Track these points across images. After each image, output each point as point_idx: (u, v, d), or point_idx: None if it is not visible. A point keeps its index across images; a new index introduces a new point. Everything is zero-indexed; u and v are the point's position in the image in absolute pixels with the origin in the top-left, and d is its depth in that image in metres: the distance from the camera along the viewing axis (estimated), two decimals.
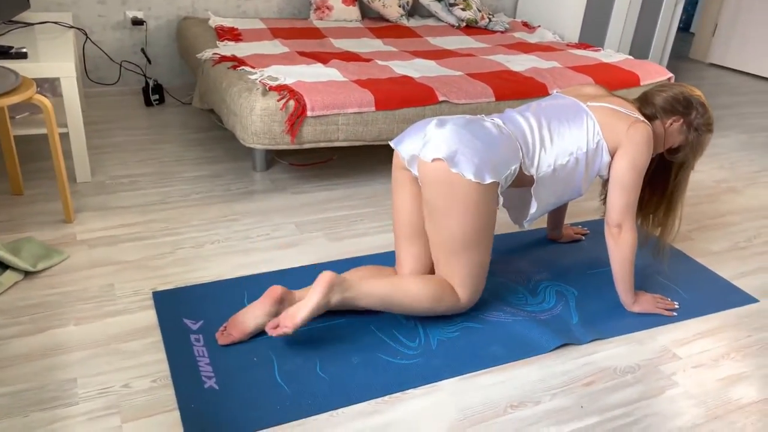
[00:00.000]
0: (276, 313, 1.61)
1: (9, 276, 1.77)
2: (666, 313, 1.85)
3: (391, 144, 1.74)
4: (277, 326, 1.53)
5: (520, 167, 1.66)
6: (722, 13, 5.13)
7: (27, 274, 1.82)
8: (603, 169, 1.76)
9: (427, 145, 1.61)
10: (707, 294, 1.97)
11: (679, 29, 6.71)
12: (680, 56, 5.52)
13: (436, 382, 1.52)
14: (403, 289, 1.62)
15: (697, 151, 1.85)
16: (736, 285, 2.03)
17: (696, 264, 2.14)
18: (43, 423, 1.33)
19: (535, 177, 1.69)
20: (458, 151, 1.57)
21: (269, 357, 1.55)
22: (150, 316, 1.68)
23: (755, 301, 1.96)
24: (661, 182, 1.93)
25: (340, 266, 1.96)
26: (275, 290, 1.60)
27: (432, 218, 1.64)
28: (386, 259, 2.01)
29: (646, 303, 1.85)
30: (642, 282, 1.99)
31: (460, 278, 1.67)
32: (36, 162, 2.54)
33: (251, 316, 1.60)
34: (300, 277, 1.88)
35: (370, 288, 1.60)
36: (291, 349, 1.58)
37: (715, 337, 1.78)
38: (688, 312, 1.87)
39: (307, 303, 1.52)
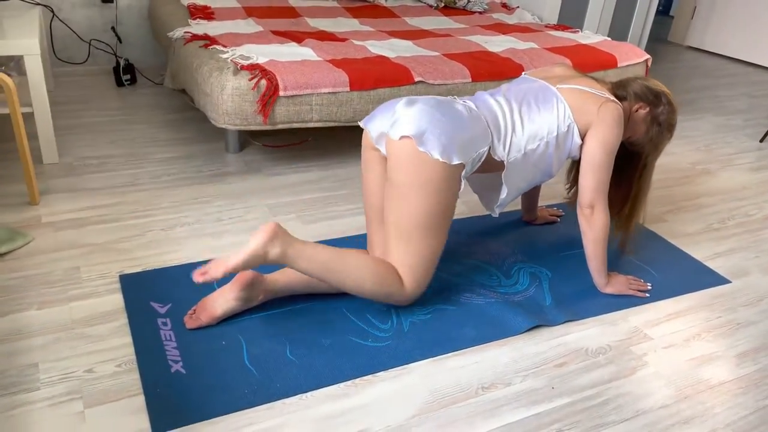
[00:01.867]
0: (247, 298, 1.58)
1: None
2: (639, 294, 1.85)
3: (361, 124, 1.71)
4: (205, 272, 1.44)
5: (489, 151, 1.64)
6: None
7: None
8: (574, 150, 1.75)
9: (395, 123, 1.58)
10: (680, 275, 1.98)
11: (660, 12, 6.72)
12: (659, 39, 5.53)
13: (407, 364, 1.51)
14: (347, 261, 1.54)
15: (656, 149, 1.85)
16: (709, 266, 2.04)
17: (669, 245, 2.15)
18: (2, 409, 1.29)
19: (505, 162, 1.67)
20: (427, 130, 1.54)
21: (238, 341, 1.52)
22: (117, 300, 1.65)
23: (727, 282, 1.97)
24: (624, 183, 1.93)
25: None
26: (245, 275, 1.57)
27: (391, 196, 1.59)
28: (360, 242, 1.98)
29: (618, 284, 1.85)
30: (615, 263, 1.99)
31: (408, 263, 1.59)
32: (0, 143, 2.47)
33: (221, 300, 1.57)
34: None
35: (314, 251, 1.51)
36: (261, 332, 1.56)
37: (686, 317, 1.79)
38: (660, 293, 1.88)
39: (244, 248, 1.45)
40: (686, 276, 1.98)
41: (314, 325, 1.60)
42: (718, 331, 1.74)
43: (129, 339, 1.51)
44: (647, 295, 1.86)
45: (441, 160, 1.53)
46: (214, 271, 1.44)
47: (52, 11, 3.01)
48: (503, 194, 1.72)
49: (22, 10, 2.52)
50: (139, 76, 3.32)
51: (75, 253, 1.83)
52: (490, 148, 1.63)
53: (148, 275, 1.74)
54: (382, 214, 1.70)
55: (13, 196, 2.10)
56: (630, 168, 1.92)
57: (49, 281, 1.69)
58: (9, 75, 2.43)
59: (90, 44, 3.30)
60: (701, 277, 1.98)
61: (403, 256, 1.60)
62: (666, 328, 1.73)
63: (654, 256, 2.07)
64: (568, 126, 1.71)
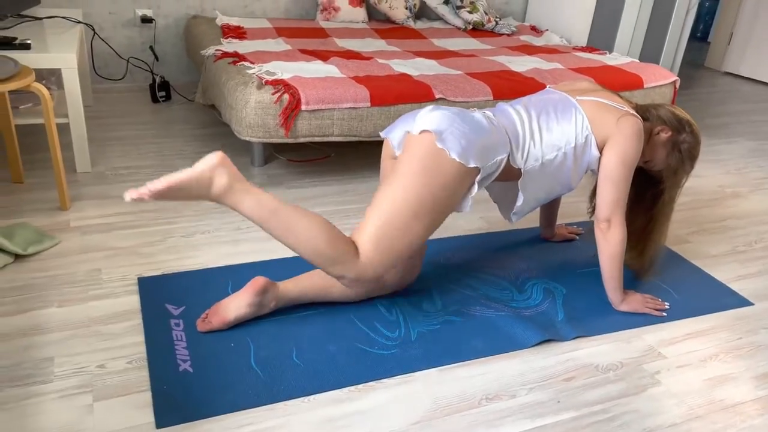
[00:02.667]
0: (259, 304, 1.60)
1: None
2: (655, 313, 1.81)
3: (382, 134, 1.73)
4: (141, 189, 1.34)
5: (508, 159, 1.64)
6: (738, 22, 5.07)
7: (17, 257, 1.84)
8: (593, 163, 1.74)
9: (416, 122, 1.60)
10: (700, 296, 1.93)
11: (697, 39, 6.65)
12: (695, 65, 5.46)
13: (411, 372, 1.51)
14: (298, 213, 1.43)
15: (675, 177, 1.82)
16: (731, 288, 1.99)
17: (691, 266, 2.10)
18: (15, 399, 1.34)
19: (522, 170, 1.67)
20: (447, 130, 1.54)
21: (246, 343, 1.55)
22: (134, 301, 1.70)
23: (750, 304, 1.92)
24: (642, 213, 1.90)
25: None
26: (258, 281, 1.60)
27: (392, 178, 1.52)
28: None
29: (634, 302, 1.82)
30: (633, 282, 1.96)
31: (375, 234, 1.46)
32: (39, 152, 2.58)
33: (233, 305, 1.60)
34: (285, 269, 1.88)
35: (265, 196, 1.42)
36: (269, 335, 1.58)
37: (704, 338, 1.74)
38: (678, 312, 1.84)
39: (189, 169, 1.37)
40: (707, 297, 1.93)
41: (322, 331, 1.61)
42: (737, 353, 1.69)
43: (142, 338, 1.55)
44: (664, 314, 1.82)
45: (458, 160, 1.51)
46: (153, 184, 1.33)
47: (94, 30, 3.16)
48: (519, 201, 1.72)
49: (65, 28, 2.65)
50: (173, 93, 3.43)
51: (98, 255, 1.89)
52: (509, 155, 1.64)
53: (165, 278, 1.79)
54: None
55: (46, 201, 2.19)
56: (648, 197, 1.89)
57: (71, 281, 1.76)
58: (49, 88, 2.56)
59: (128, 62, 3.44)
60: (723, 298, 1.93)
61: (376, 225, 1.47)
62: (682, 347, 1.69)
63: (674, 277, 2.03)
64: (586, 137, 1.70)
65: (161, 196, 1.34)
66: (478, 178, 1.58)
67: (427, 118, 1.59)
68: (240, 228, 2.11)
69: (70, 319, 1.60)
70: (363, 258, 1.46)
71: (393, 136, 1.68)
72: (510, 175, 1.70)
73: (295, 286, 1.66)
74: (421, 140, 1.55)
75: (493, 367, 1.55)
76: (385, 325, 1.66)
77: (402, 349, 1.58)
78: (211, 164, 1.39)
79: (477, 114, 1.66)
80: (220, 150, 1.42)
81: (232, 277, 1.82)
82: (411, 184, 1.50)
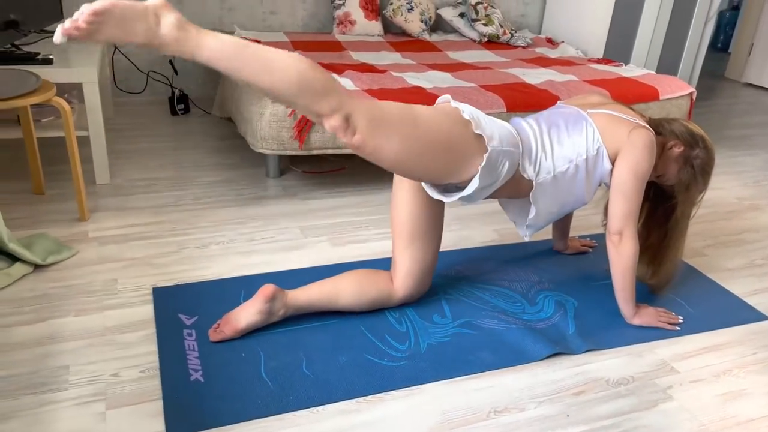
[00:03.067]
0: (269, 311, 1.63)
1: (19, 268, 1.84)
2: (668, 327, 1.79)
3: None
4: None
5: (518, 168, 1.64)
6: (758, 33, 5.02)
7: (36, 267, 1.89)
8: (605, 176, 1.74)
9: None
10: (715, 310, 1.91)
11: (717, 49, 6.59)
12: (716, 76, 5.41)
13: (420, 384, 1.51)
14: (270, 48, 1.27)
15: (687, 193, 1.80)
16: (747, 302, 1.96)
17: (706, 280, 2.08)
18: (31, 406, 1.37)
19: (534, 182, 1.67)
20: (463, 104, 1.57)
21: (257, 353, 1.57)
22: (148, 311, 1.72)
23: (766, 318, 1.89)
24: (655, 230, 1.89)
25: (337, 269, 1.97)
26: (268, 288, 1.62)
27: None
28: (386, 264, 2.01)
29: (647, 316, 1.80)
30: (647, 296, 1.94)
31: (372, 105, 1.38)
32: (60, 164, 2.64)
33: (244, 314, 1.62)
34: (297, 279, 1.90)
35: (227, 36, 1.25)
36: (280, 346, 1.60)
37: (719, 352, 1.72)
38: (693, 327, 1.82)
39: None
40: (721, 311, 1.91)
41: (332, 342, 1.63)
42: (751, 368, 1.66)
43: (155, 347, 1.58)
44: (678, 328, 1.80)
45: (466, 117, 1.50)
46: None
47: (115, 45, 3.23)
48: (531, 214, 1.71)
49: (86, 43, 2.72)
50: (192, 106, 3.49)
51: (115, 266, 1.93)
52: (519, 164, 1.63)
53: (179, 289, 1.82)
54: (409, 232, 1.71)
55: (66, 212, 2.24)
56: (660, 212, 1.88)
57: (87, 291, 1.79)
58: (70, 102, 2.62)
59: (148, 75, 3.51)
60: (738, 313, 1.90)
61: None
62: (695, 362, 1.67)
63: (689, 290, 2.01)
64: (597, 149, 1.70)
65: (97, 21, 1.13)
66: (483, 163, 1.50)
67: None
68: (253, 239, 2.14)
69: (86, 328, 1.64)
70: (355, 102, 1.33)
71: None
72: (522, 189, 1.69)
73: (303, 294, 1.68)
74: (438, 103, 1.61)
75: (501, 380, 1.55)
76: (394, 337, 1.67)
77: (411, 361, 1.58)
78: (156, 4, 1.20)
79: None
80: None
81: (245, 287, 1.84)
82: (423, 120, 1.44)
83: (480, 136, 1.51)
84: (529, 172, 1.66)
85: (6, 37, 2.37)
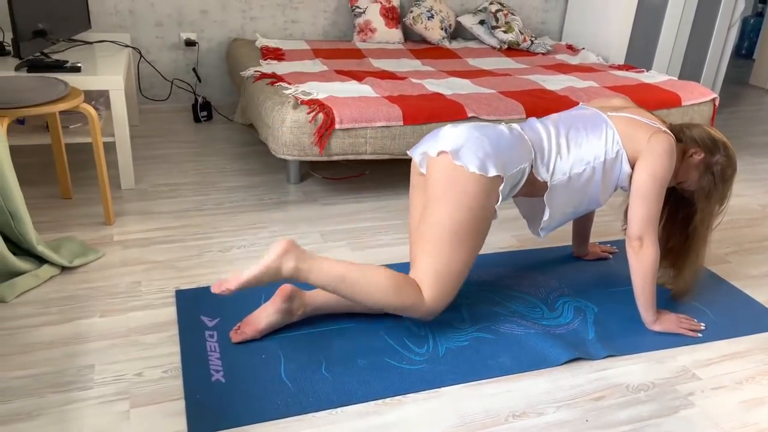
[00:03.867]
0: (287, 311, 1.65)
1: (46, 270, 1.88)
2: (690, 333, 1.78)
3: (408, 152, 1.78)
4: (222, 284, 1.51)
5: (532, 171, 1.66)
6: None
7: (63, 269, 1.93)
8: (623, 180, 1.73)
9: (435, 142, 1.65)
10: (738, 317, 1.89)
11: (742, 56, 6.51)
12: (740, 82, 5.35)
13: (438, 387, 1.52)
14: (362, 273, 1.54)
15: (708, 201, 1.78)
16: None
17: (730, 287, 2.06)
18: (56, 404, 1.40)
19: (549, 184, 1.68)
20: (464, 146, 1.59)
21: (277, 355, 1.59)
22: (171, 313, 1.76)
23: None
24: (675, 234, 1.88)
25: None
26: (285, 288, 1.65)
27: (426, 210, 1.62)
28: (405, 268, 2.02)
29: (668, 322, 1.79)
30: (668, 302, 1.93)
31: (432, 274, 1.57)
32: (87, 170, 2.70)
33: (264, 314, 1.65)
34: None
35: (328, 264, 1.53)
36: (300, 348, 1.61)
37: (741, 359, 1.70)
38: (715, 333, 1.80)
39: (258, 263, 1.51)
40: (745, 318, 1.89)
41: (351, 345, 1.64)
42: None
43: (177, 348, 1.61)
44: (699, 335, 1.78)
45: (477, 172, 1.56)
46: (230, 283, 1.49)
47: (140, 53, 3.30)
48: (546, 216, 1.72)
49: (113, 51, 2.78)
50: (214, 113, 3.55)
51: (139, 269, 1.97)
52: (532, 166, 1.65)
53: (201, 291, 1.85)
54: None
55: (92, 216, 2.29)
56: (680, 217, 1.87)
57: (112, 293, 1.83)
58: (97, 109, 2.68)
59: (172, 83, 3.58)
60: (761, 320, 1.88)
61: (428, 265, 1.58)
62: (717, 369, 1.66)
63: (712, 297, 1.99)
64: (617, 152, 1.70)
65: (239, 289, 1.50)
66: (502, 187, 1.60)
67: (446, 136, 1.64)
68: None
69: (111, 328, 1.67)
70: (428, 300, 1.59)
71: (416, 153, 1.74)
72: (537, 189, 1.71)
73: (321, 294, 1.70)
74: (440, 162, 1.61)
75: (520, 385, 1.55)
76: (413, 341, 1.67)
77: (430, 365, 1.59)
78: (277, 255, 1.51)
79: (501, 126, 1.70)
80: (287, 240, 1.56)
81: (265, 290, 1.86)
82: (445, 214, 1.57)
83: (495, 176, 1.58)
84: (543, 175, 1.67)
85: (35, 45, 2.44)
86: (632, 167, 1.71)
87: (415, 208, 1.77)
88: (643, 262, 1.70)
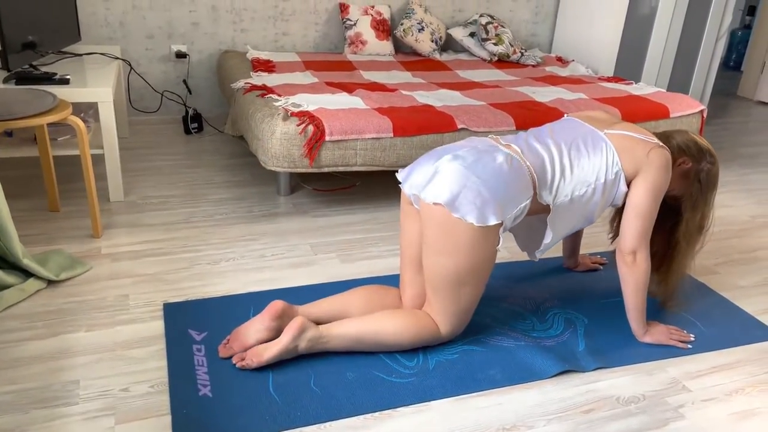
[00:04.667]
0: (277, 328, 1.63)
1: (32, 284, 1.86)
2: (680, 345, 1.78)
3: (398, 176, 1.71)
4: (243, 359, 1.58)
5: (533, 199, 1.63)
6: None
7: (50, 282, 1.91)
8: (618, 198, 1.73)
9: (430, 183, 1.57)
10: (727, 327, 1.89)
11: (730, 68, 6.58)
12: (729, 94, 5.40)
13: (428, 401, 1.51)
14: (376, 328, 1.61)
15: (694, 208, 1.79)
16: (760, 320, 1.94)
17: (719, 297, 2.06)
18: (41, 420, 1.38)
19: (552, 206, 1.66)
20: (460, 194, 1.52)
21: (265, 369, 1.57)
22: (158, 326, 1.74)
23: None
24: (660, 239, 1.87)
25: (347, 285, 1.97)
26: (276, 305, 1.63)
27: (427, 253, 1.61)
28: (394, 280, 2.01)
29: (658, 334, 1.79)
30: (658, 313, 1.93)
31: (445, 312, 1.64)
32: (76, 182, 2.68)
33: (252, 330, 1.63)
34: (306, 295, 1.91)
35: (341, 329, 1.60)
36: (288, 362, 1.60)
37: (731, 371, 1.70)
38: (704, 345, 1.80)
39: (276, 343, 1.57)
40: (734, 329, 1.89)
41: (340, 358, 1.63)
42: (764, 387, 1.64)
43: (164, 362, 1.59)
44: (689, 346, 1.78)
45: (476, 224, 1.52)
46: (249, 362, 1.56)
47: (131, 66, 3.30)
48: (547, 239, 1.70)
49: (103, 64, 2.78)
50: (205, 125, 3.54)
51: (127, 282, 1.95)
52: (533, 197, 1.62)
53: (189, 305, 1.83)
54: (415, 260, 1.72)
55: (80, 229, 2.27)
56: (667, 223, 1.87)
57: (99, 306, 1.81)
58: (86, 121, 2.67)
59: (162, 95, 3.57)
60: (751, 331, 1.88)
61: (442, 308, 1.64)
62: (708, 380, 1.65)
63: (701, 308, 1.99)
64: (616, 173, 1.68)
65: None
66: (502, 229, 1.58)
67: (441, 181, 1.55)
68: (264, 256, 2.16)
69: (97, 343, 1.65)
70: (444, 332, 1.67)
71: (407, 187, 1.65)
72: (537, 210, 1.68)
73: (313, 310, 1.69)
74: (436, 214, 1.54)
75: (510, 397, 1.54)
76: (403, 354, 1.66)
77: (419, 378, 1.58)
78: (293, 337, 1.56)
79: (500, 155, 1.61)
80: (299, 319, 1.60)
81: (255, 303, 1.85)
82: (448, 265, 1.57)
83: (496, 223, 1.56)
84: (546, 199, 1.64)
85: (24, 57, 2.43)
86: (628, 184, 1.71)
87: (407, 235, 1.72)
88: (636, 276, 1.70)
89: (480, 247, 1.56)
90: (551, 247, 1.76)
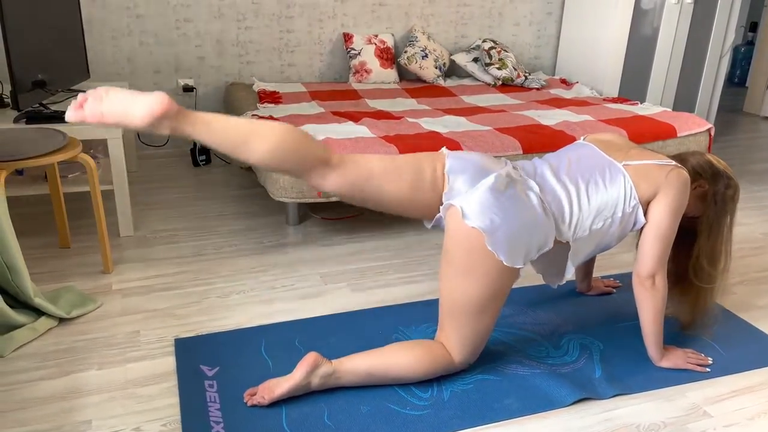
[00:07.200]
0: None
1: (44, 322, 1.86)
2: (698, 368, 1.74)
3: (444, 151, 1.66)
4: (254, 394, 1.56)
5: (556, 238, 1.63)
6: None
7: (61, 320, 1.91)
8: (636, 227, 1.71)
9: (471, 198, 1.54)
10: (747, 350, 1.86)
11: (735, 84, 6.58)
12: (734, 110, 5.39)
13: None
14: (388, 362, 1.59)
15: (709, 230, 1.77)
16: None
17: (737, 319, 2.03)
18: None
19: (571, 241, 1.64)
20: (500, 229, 1.51)
21: (279, 405, 1.55)
22: (170, 362, 1.73)
23: None
24: (679, 263, 1.84)
25: (358, 315, 1.96)
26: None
27: (447, 274, 1.59)
28: (406, 311, 2.00)
29: (675, 358, 1.75)
30: (674, 336, 1.90)
31: (460, 340, 1.62)
32: (87, 218, 2.70)
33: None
34: (318, 327, 1.89)
35: (353, 364, 1.58)
36: (301, 397, 1.58)
37: (753, 394, 1.66)
38: (724, 368, 1.76)
39: (288, 379, 1.55)
40: (754, 351, 1.85)
41: (354, 392, 1.61)
42: None
43: (176, 399, 1.58)
44: (708, 369, 1.75)
45: (506, 264, 1.53)
46: (260, 398, 1.55)
47: None
48: (568, 273, 1.69)
49: None
50: (213, 157, 3.56)
51: (137, 318, 1.94)
52: (555, 239, 1.62)
53: (200, 339, 1.82)
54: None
55: (91, 265, 2.28)
56: (686, 246, 1.84)
57: (110, 344, 1.81)
58: (95, 157, 2.70)
59: None
60: None
61: (458, 337, 1.62)
62: (729, 405, 1.62)
63: (719, 330, 1.96)
64: (633, 206, 1.67)
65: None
66: (522, 267, 1.59)
67: (478, 200, 1.53)
68: (274, 287, 2.15)
69: (109, 381, 1.64)
70: (457, 360, 1.65)
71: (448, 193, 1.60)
72: (556, 243, 1.66)
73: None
74: (471, 236, 1.52)
75: (527, 428, 1.51)
76: (417, 385, 1.64)
77: (434, 410, 1.55)
78: (305, 373, 1.55)
79: (532, 195, 1.59)
80: (312, 355, 1.58)
81: (266, 336, 1.84)
82: (471, 292, 1.57)
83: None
84: (566, 236, 1.63)
85: (34, 96, 2.46)
86: (646, 210, 1.69)
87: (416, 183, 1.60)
88: (654, 300, 1.68)
89: (502, 281, 1.57)
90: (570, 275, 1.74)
